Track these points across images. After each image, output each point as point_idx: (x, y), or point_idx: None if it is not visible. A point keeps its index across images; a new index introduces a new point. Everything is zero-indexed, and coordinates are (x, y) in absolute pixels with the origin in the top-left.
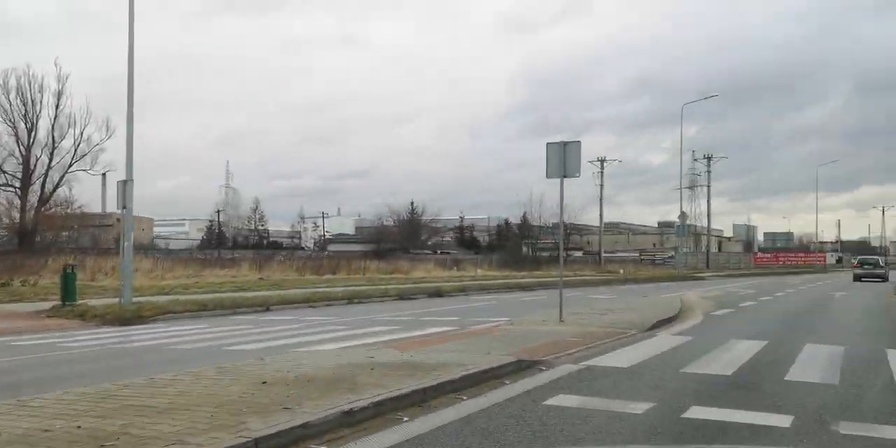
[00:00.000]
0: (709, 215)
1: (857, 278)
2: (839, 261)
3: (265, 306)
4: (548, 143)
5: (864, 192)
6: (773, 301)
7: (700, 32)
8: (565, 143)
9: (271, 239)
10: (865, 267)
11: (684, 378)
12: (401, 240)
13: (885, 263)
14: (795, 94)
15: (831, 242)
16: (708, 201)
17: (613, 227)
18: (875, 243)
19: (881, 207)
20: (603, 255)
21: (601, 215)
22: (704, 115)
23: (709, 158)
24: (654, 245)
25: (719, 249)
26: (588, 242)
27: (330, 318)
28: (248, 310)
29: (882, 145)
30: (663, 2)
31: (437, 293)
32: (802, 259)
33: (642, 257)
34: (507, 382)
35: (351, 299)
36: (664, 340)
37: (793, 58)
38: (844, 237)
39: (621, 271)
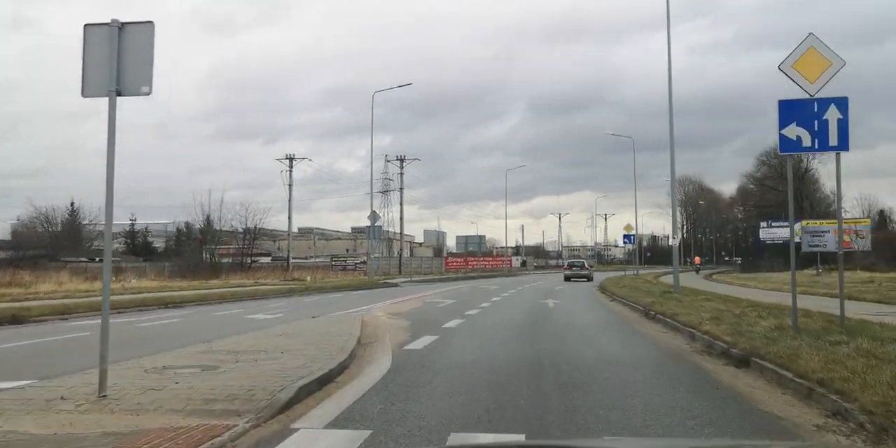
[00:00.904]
0: (401, 218)
1: (567, 279)
2: (524, 264)
3: None
4: (86, 25)
5: (539, 202)
6: (483, 316)
7: (397, 46)
8: (123, 26)
9: None
10: (573, 269)
11: None
12: (55, 246)
13: (589, 265)
14: (480, 110)
15: (512, 247)
16: (401, 203)
17: (308, 233)
18: (550, 248)
19: (558, 214)
20: (293, 260)
21: (290, 217)
22: (399, 126)
23: (401, 160)
24: (348, 250)
25: (412, 254)
26: (280, 248)
27: None
28: None
29: (553, 160)
30: (362, 15)
31: (16, 319)
32: (491, 263)
33: (334, 262)
34: None
35: None
36: None
37: (478, 77)
38: (524, 242)
39: (308, 278)
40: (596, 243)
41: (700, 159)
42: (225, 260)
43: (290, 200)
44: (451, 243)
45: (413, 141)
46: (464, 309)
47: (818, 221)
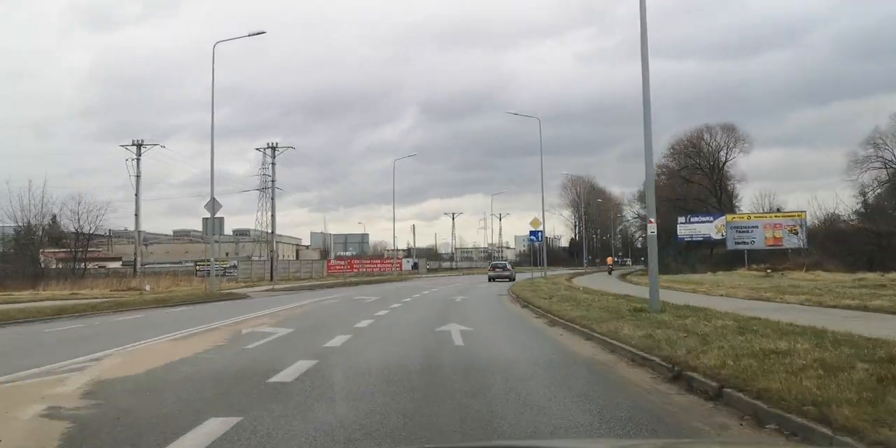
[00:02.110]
0: (273, 214)
1: (491, 279)
2: (415, 266)
3: None
4: None
5: (431, 204)
6: (305, 393)
7: (291, 47)
8: None
9: None
10: (497, 270)
11: None
12: None
13: (511, 266)
14: (374, 113)
15: (403, 249)
16: (272, 197)
17: (184, 235)
18: (443, 250)
19: (451, 214)
20: (155, 266)
21: (137, 214)
22: (289, 128)
23: (273, 148)
24: (228, 254)
25: (297, 257)
26: (151, 252)
27: None
28: None
29: (444, 164)
30: (252, 14)
31: None
32: (378, 266)
33: (198, 268)
34: None
35: None
36: None
37: (372, 79)
38: (415, 244)
39: (148, 288)
40: (490, 244)
41: (587, 164)
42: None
43: (136, 193)
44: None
45: (306, 143)
46: (287, 356)
47: (745, 215)
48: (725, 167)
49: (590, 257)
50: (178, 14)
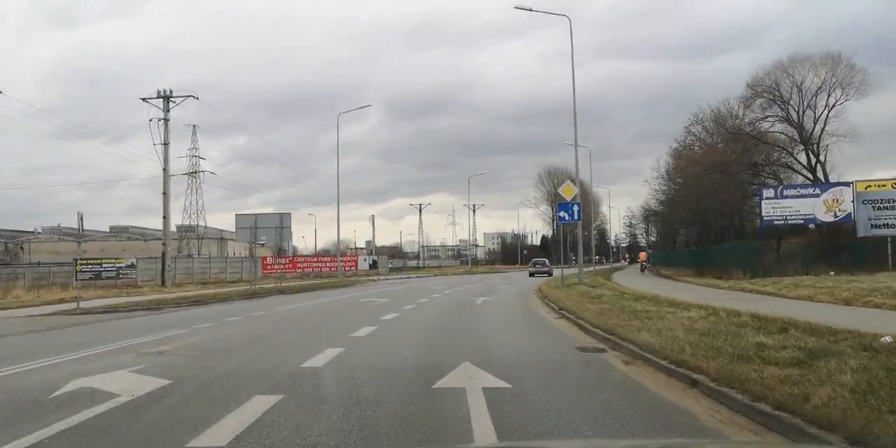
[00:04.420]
0: (165, 193)
1: (532, 274)
2: (374, 265)
3: None
4: None
5: (397, 203)
6: None
7: (256, 45)
8: None
9: None
10: (536, 266)
11: None
12: None
13: (550, 263)
14: (339, 110)
15: (362, 248)
16: (165, 168)
17: (121, 232)
18: (408, 249)
19: (418, 205)
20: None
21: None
22: (255, 126)
23: (167, 97)
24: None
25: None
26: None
27: None
28: None
29: (410, 162)
30: (218, 15)
31: None
32: (328, 264)
33: (80, 269)
34: None
35: None
36: None
37: (340, 77)
38: (381, 243)
39: None
40: (461, 241)
41: (552, 163)
42: None
43: (165, 160)
44: (299, 245)
45: (271, 141)
46: None
47: (887, 182)
48: (827, 117)
49: (598, 255)
50: (141, 12)
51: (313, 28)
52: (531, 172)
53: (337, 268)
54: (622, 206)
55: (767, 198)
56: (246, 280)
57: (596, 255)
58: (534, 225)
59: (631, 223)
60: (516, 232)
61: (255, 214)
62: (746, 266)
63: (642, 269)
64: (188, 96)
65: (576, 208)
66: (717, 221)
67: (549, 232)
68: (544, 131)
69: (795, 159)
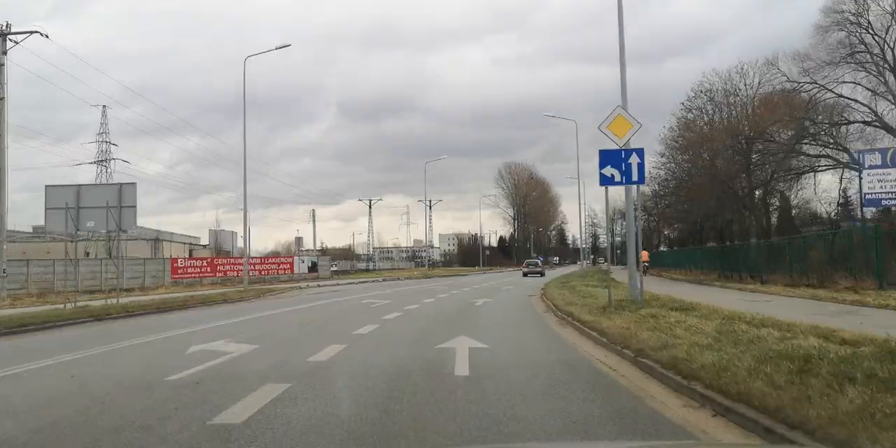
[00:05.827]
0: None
1: (525, 275)
2: (313, 267)
3: None
4: None
5: (350, 205)
6: None
7: (207, 44)
8: None
9: None
10: (530, 267)
11: None
12: None
13: (541, 264)
14: (293, 113)
15: (317, 250)
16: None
17: (46, 233)
18: (360, 250)
19: (368, 200)
20: None
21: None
22: (208, 128)
23: (4, 35)
24: (88, 253)
25: (190, 255)
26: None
27: None
28: None
29: (365, 165)
30: (163, 14)
31: None
32: (256, 267)
33: None
34: None
35: None
36: None
37: (294, 79)
38: (333, 245)
39: None
40: (415, 241)
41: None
42: None
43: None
44: (245, 245)
45: (223, 141)
46: None
47: None
48: None
49: (555, 257)
50: (85, 11)
51: (270, 28)
52: (486, 174)
53: (265, 272)
54: (578, 207)
55: (872, 165)
56: (139, 288)
57: (554, 256)
58: (492, 225)
59: (593, 222)
60: (473, 233)
61: (78, 186)
62: (859, 267)
63: (644, 272)
64: (33, 32)
65: (635, 160)
66: (734, 215)
67: (508, 232)
68: (499, 134)
69: (878, 117)
